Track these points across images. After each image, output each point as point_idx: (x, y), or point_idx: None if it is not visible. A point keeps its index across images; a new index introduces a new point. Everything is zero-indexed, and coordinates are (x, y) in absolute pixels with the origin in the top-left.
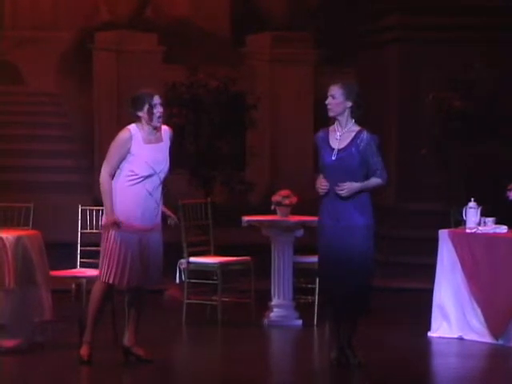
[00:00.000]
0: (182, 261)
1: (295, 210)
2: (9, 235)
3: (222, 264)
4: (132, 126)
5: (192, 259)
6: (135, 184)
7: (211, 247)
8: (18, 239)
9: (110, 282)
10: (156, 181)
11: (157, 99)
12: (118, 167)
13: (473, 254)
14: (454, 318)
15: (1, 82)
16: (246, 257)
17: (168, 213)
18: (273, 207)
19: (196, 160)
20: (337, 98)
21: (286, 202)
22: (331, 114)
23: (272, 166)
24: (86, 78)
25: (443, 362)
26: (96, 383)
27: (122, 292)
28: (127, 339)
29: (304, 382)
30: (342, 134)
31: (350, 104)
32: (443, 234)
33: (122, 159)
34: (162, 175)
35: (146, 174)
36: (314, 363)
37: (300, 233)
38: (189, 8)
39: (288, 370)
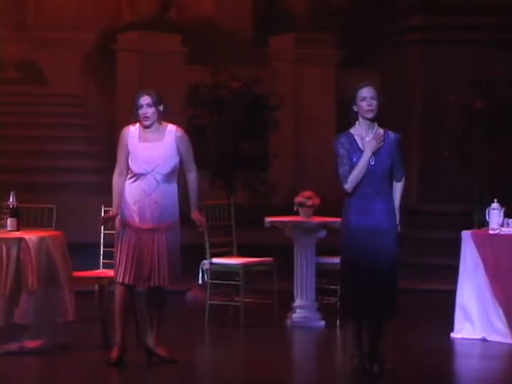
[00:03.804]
0: (205, 262)
1: (318, 211)
2: (32, 236)
3: (244, 265)
4: (132, 124)
5: (215, 260)
6: (133, 182)
7: (234, 248)
8: (41, 240)
9: (117, 280)
10: (151, 180)
11: (143, 100)
12: (125, 165)
13: (495, 255)
14: (477, 319)
15: (24, 82)
16: (268, 258)
17: (197, 218)
18: (295, 208)
19: (218, 161)
20: (377, 100)
21: (309, 202)
22: (372, 116)
23: (295, 167)
24: (108, 79)
25: (466, 363)
26: None
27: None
28: (150, 340)
29: (327, 383)
30: (371, 139)
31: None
32: (466, 235)
33: (126, 157)
34: (159, 175)
35: (138, 172)
36: (336, 364)
37: (323, 234)
38: (212, 9)
39: (311, 371)
